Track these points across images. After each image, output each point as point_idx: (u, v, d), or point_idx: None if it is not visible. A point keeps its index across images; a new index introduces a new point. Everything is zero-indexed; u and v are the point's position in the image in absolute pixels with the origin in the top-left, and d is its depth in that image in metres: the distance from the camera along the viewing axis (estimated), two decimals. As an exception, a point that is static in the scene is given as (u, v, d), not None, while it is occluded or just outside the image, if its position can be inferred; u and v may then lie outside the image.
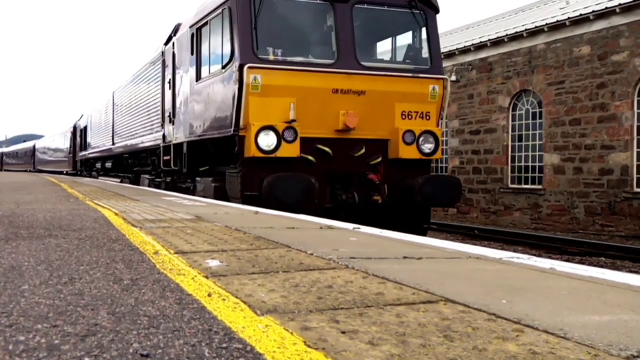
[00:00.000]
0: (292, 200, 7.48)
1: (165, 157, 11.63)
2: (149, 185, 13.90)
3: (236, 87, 8.04)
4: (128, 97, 16.45)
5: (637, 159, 15.20)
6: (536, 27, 17.47)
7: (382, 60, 9.73)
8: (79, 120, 29.02)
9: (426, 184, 8.41)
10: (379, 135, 8.67)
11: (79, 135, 28.45)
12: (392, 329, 1.71)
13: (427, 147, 8.82)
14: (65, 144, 33.42)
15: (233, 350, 1.50)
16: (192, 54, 9.96)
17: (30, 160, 50.98)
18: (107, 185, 13.11)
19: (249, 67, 7.90)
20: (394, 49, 9.81)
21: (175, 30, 11.39)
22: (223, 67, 8.59)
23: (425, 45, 9.22)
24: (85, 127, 25.88)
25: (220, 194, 8.87)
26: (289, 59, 8.41)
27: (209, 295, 2.12)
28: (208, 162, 9.98)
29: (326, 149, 8.36)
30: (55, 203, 6.99)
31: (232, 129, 8.14)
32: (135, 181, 16.07)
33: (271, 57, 8.32)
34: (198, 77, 9.71)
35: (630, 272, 7.93)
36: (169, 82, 11.49)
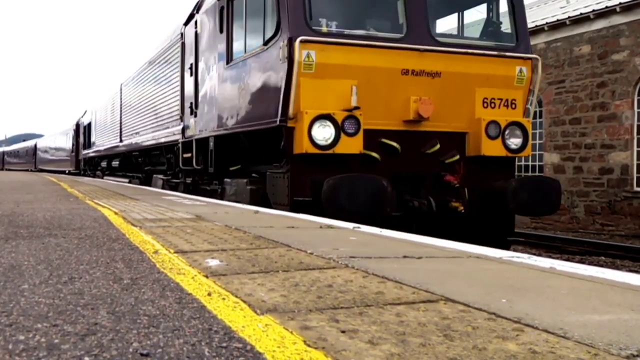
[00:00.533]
0: (361, 207, 6.19)
1: (186, 155, 10.23)
2: (164, 187, 12.34)
3: (284, 66, 6.64)
4: (139, 88, 14.96)
5: (637, 158, 15.20)
6: (536, 26, 17.45)
7: (458, 36, 8.26)
8: (82, 117, 28.22)
9: (521, 188, 7.05)
10: (455, 128, 7.28)
11: (82, 133, 27.59)
12: (392, 328, 1.71)
13: (514, 142, 7.42)
14: (67, 142, 33.13)
15: (233, 350, 1.50)
16: (221, 31, 8.52)
17: (31, 160, 50.96)
18: (106, 185, 13.08)
19: (302, 41, 6.47)
20: (461, 24, 8.34)
21: (198, 6, 9.87)
22: (265, 44, 7.16)
23: (509, 19, 7.86)
24: (89, 124, 24.77)
25: (258, 199, 7.47)
26: (346, 31, 7.03)
27: (209, 294, 2.12)
28: (240, 161, 8.60)
29: (394, 143, 6.98)
30: (55, 202, 6.99)
31: (278, 119, 6.70)
32: (147, 182, 14.53)
33: (324, 30, 6.99)
34: (229, 58, 8.26)
35: (630, 271, 7.94)
36: (190, 68, 10.05)
